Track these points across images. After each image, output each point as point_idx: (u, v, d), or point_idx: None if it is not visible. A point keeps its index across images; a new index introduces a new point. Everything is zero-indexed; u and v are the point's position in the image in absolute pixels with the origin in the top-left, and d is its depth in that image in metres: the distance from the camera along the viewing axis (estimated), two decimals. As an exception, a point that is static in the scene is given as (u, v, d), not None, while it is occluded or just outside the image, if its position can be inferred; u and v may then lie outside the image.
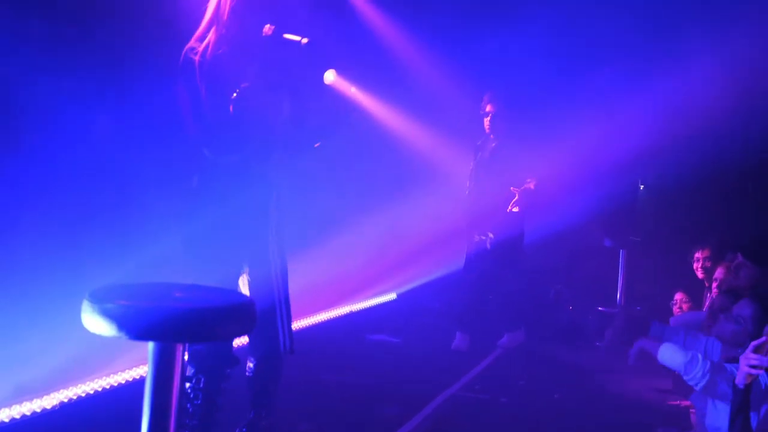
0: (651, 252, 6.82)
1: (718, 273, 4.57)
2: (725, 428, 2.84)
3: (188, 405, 2.87)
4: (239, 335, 2.13)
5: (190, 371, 2.88)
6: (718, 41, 6.39)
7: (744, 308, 3.26)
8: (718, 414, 3.07)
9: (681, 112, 6.39)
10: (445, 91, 6.97)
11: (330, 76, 5.93)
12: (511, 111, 5.94)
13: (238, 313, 1.98)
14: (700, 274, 5.25)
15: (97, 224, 3.69)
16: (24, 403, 3.32)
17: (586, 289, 7.03)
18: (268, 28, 2.84)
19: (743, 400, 2.63)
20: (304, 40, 2.79)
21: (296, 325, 5.01)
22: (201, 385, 2.87)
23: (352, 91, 6.48)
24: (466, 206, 5.99)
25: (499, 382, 4.91)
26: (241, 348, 3.20)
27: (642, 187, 7.42)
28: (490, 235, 5.76)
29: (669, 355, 3.28)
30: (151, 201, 3.88)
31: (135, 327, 1.82)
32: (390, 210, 6.30)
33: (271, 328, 2.96)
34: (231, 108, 2.75)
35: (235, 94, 2.75)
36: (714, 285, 4.61)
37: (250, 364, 3.05)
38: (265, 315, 2.91)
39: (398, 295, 7.50)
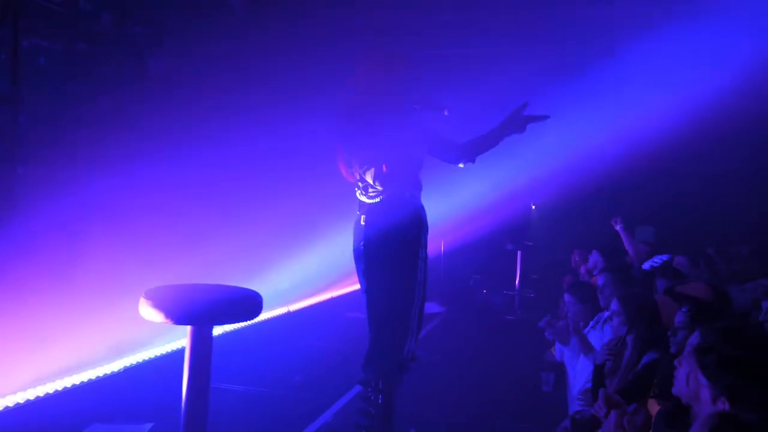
0: (539, 252, 7.01)
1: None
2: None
3: (368, 407, 2.41)
4: (249, 318, 2.14)
5: (366, 376, 2.46)
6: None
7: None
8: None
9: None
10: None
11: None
12: None
13: (247, 303, 2.02)
14: (573, 265, 5.57)
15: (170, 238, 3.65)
16: (91, 368, 3.33)
17: (495, 278, 7.24)
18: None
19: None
20: (446, 113, 2.52)
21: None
22: (380, 386, 2.42)
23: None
24: None
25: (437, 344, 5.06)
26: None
27: (533, 207, 7.67)
28: None
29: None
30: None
31: (176, 314, 1.90)
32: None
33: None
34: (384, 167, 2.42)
35: None
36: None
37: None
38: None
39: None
